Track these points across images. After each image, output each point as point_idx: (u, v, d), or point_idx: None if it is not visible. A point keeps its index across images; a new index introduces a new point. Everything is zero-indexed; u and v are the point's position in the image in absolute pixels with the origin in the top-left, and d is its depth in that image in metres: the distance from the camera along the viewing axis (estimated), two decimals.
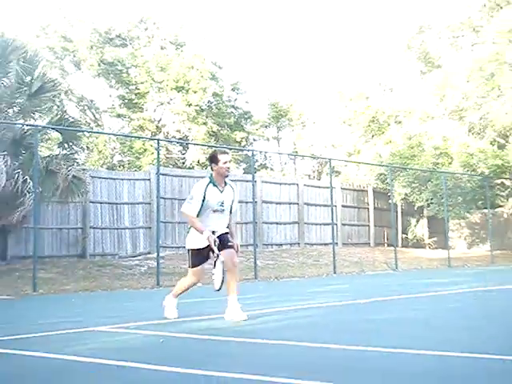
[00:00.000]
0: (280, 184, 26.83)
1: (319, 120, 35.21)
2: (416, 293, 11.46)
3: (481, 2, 28.92)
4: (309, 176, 39.80)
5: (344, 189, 29.57)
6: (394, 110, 29.74)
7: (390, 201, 26.11)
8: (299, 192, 27.08)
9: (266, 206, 25.66)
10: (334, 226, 23.06)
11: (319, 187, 28.12)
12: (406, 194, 28.58)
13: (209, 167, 7.87)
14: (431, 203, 28.12)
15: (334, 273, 19.69)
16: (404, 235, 31.79)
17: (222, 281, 7.49)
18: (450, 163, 26.92)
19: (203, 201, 7.55)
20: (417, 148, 27.71)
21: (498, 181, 28.75)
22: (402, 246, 30.15)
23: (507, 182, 29.70)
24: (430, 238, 32.36)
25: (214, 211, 7.63)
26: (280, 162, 42.80)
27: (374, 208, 30.32)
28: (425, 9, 30.20)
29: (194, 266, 7.76)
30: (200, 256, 7.70)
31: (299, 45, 64.63)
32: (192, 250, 7.72)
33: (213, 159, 7.71)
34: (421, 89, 29.28)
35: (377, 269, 21.85)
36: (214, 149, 8.84)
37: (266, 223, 25.49)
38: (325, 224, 26.56)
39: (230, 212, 7.85)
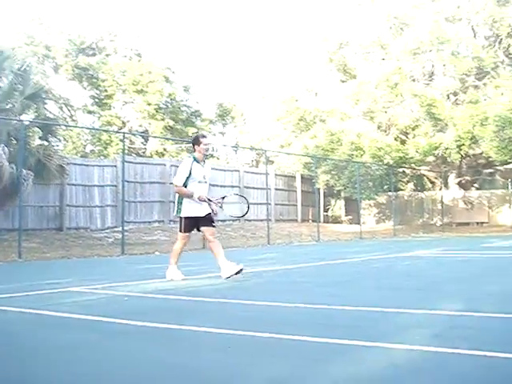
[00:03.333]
0: (225, 171, 26.81)
1: (257, 118, 35.23)
2: (334, 259, 11.65)
3: (388, 25, 29.30)
4: (248, 164, 39.83)
5: (277, 175, 29.74)
6: (318, 110, 29.95)
7: (314, 185, 26.45)
8: (240, 177, 27.13)
9: (214, 188, 25.59)
10: (269, 206, 23.20)
11: (257, 173, 28.21)
12: (327, 180, 28.87)
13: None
14: (347, 187, 28.48)
15: (268, 243, 19.82)
16: (325, 213, 32.20)
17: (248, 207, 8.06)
18: (362, 155, 27.26)
19: (190, 174, 7.69)
20: (336, 142, 28.00)
21: (400, 170, 29.37)
22: (324, 222, 30.50)
23: (407, 171, 30.39)
24: (346, 215, 32.88)
25: (199, 182, 7.77)
26: (225, 152, 42.76)
27: (302, 191, 30.57)
28: (344, 28, 30.40)
29: (185, 231, 7.80)
30: (191, 224, 7.77)
31: (243, 52, 64.50)
32: (186, 217, 7.74)
33: (196, 141, 7.91)
34: (340, 94, 29.54)
35: (303, 240, 22.02)
36: (195, 134, 9.21)
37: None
38: (261, 204, 26.69)
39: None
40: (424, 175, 32.27)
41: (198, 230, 7.88)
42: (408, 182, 32.83)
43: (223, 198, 7.98)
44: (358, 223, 25.96)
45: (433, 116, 26.70)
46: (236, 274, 7.59)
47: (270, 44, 61.39)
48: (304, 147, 28.90)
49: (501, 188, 30.93)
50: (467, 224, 30.01)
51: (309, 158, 27.76)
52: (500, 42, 28.09)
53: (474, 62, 27.56)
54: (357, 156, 27.26)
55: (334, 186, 29.68)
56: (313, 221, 29.29)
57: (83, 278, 8.83)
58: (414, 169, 29.82)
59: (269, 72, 40.54)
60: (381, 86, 27.39)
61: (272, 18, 67.56)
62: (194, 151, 7.91)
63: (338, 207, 33.32)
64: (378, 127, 28.80)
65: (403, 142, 28.47)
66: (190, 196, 7.64)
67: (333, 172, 28.54)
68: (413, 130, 28.51)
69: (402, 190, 32.36)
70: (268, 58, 57.20)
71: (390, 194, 29.76)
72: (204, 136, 8.11)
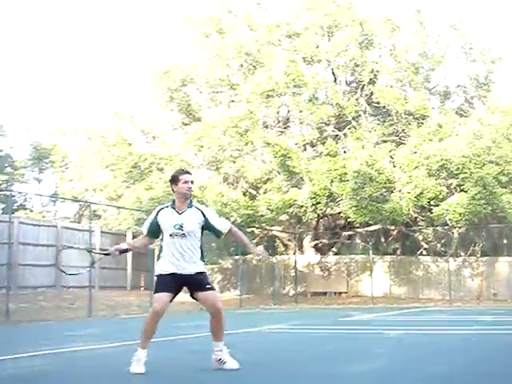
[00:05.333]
0: (39, 226, 25.61)
1: (82, 163, 34.26)
2: (163, 336, 11.30)
3: (239, 62, 30.14)
4: (69, 219, 38.55)
5: (104, 232, 28.92)
6: (155, 157, 29.74)
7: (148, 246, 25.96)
8: (58, 234, 26.02)
9: (24, 247, 24.28)
10: (92, 269, 22.23)
11: (79, 230, 27.26)
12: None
13: None
14: None
15: (90, 316, 19.02)
16: None
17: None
18: None
19: (157, 225, 6.89)
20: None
21: (249, 229, 29.81)
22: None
23: (256, 231, 30.92)
24: None
25: (171, 235, 6.78)
26: (41, 203, 41.15)
27: (133, 252, 29.88)
28: (189, 63, 30.72)
29: (156, 291, 6.78)
30: (166, 284, 6.75)
31: (68, 81, 63.35)
32: (158, 275, 6.86)
33: (173, 180, 6.96)
34: (182, 139, 29.71)
35: (132, 312, 21.39)
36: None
37: (22, 265, 24.05)
38: (82, 267, 25.64)
39: (217, 234, 6.92)
40: (276, 236, 33.03)
41: (193, 298, 6.91)
42: (258, 244, 33.38)
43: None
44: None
45: (287, 168, 27.53)
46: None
47: (100, 73, 60.95)
48: (137, 200, 28.43)
49: (361, 253, 32.37)
50: (324, 294, 30.89)
51: (143, 213, 27.30)
52: (362, 89, 29.88)
53: (334, 109, 29.02)
54: None
55: None
56: (145, 288, 28.67)
57: None
58: (265, 229, 30.40)
59: (97, 108, 40.01)
60: (229, 131, 27.82)
61: (103, 42, 67.32)
62: (173, 193, 7.01)
63: None
64: (225, 179, 29.07)
65: (253, 198, 29.00)
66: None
67: None
68: (264, 183, 29.16)
69: (250, 253, 32.76)
70: (98, 90, 56.63)
71: (236, 257, 29.96)
72: (186, 172, 7.07)
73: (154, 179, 28.74)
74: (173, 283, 6.75)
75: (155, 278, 7.02)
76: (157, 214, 6.95)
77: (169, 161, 29.37)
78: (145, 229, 7.10)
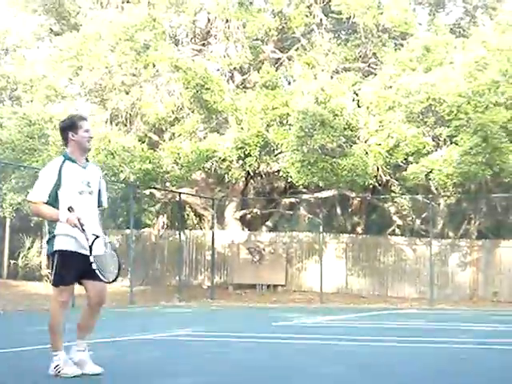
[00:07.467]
0: None
1: None
2: (11, 347, 11.02)
3: None
4: None
5: None
6: (8, 80, 29.20)
7: None
8: None
9: None
10: None
11: None
12: (18, 204, 27.96)
13: None
14: None
15: None
16: (13, 261, 31.26)
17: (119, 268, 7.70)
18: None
19: (59, 182, 7.57)
20: (39, 139, 27.24)
21: (147, 191, 29.45)
22: (10, 278, 29.60)
23: (158, 194, 30.55)
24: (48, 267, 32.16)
25: (80, 193, 7.65)
26: None
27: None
28: None
29: (62, 281, 7.57)
30: (73, 267, 7.57)
31: None
32: (60, 252, 7.55)
33: (71, 127, 7.80)
34: (50, 54, 29.10)
35: None
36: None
37: None
38: None
39: (100, 204, 7.93)
40: (186, 202, 32.81)
41: (79, 283, 7.74)
42: (159, 213, 33.14)
43: (96, 237, 7.66)
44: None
45: (204, 105, 27.35)
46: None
47: None
48: None
49: (307, 230, 32.48)
50: (253, 287, 30.97)
51: None
52: None
53: (276, 20, 28.79)
54: None
55: (30, 216, 28.82)
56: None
57: None
58: (171, 191, 30.11)
59: None
60: (120, 47, 27.23)
61: None
62: (67, 144, 7.84)
63: (36, 252, 32.51)
64: (113, 117, 28.64)
65: (154, 146, 28.73)
66: (55, 218, 7.55)
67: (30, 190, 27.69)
68: (171, 125, 28.88)
69: (148, 225, 32.53)
70: None
71: (127, 231, 29.77)
72: (83, 118, 8.02)
73: (6, 113, 28.10)
74: (77, 267, 7.60)
75: (58, 256, 7.60)
76: (60, 170, 7.64)
77: (29, 87, 28.72)
78: (45, 193, 7.59)
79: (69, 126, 7.85)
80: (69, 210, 7.49)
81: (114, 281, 7.82)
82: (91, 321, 7.84)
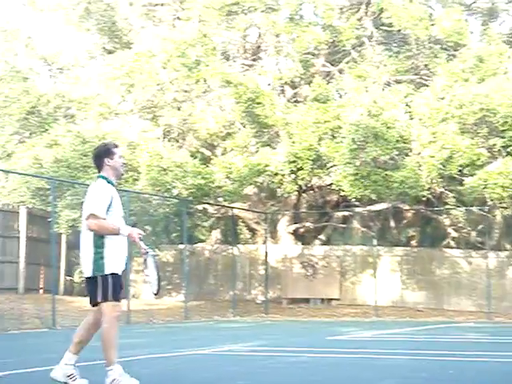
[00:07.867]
0: None
1: None
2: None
3: None
4: None
5: None
6: (63, 98, 29.32)
7: (51, 228, 25.62)
8: None
9: None
10: None
11: None
12: (74, 220, 28.13)
13: None
14: None
15: None
16: (69, 278, 31.44)
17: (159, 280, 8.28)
18: (136, 180, 26.90)
19: (109, 205, 8.07)
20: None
21: (200, 206, 29.53)
22: (65, 294, 29.75)
23: (211, 209, 30.61)
24: None
25: (122, 217, 8.33)
26: None
27: (28, 238, 29.63)
28: None
29: (117, 297, 8.08)
30: (120, 283, 8.15)
31: None
32: (113, 275, 8.03)
33: (106, 153, 8.33)
34: (103, 72, 29.23)
35: (25, 326, 21.14)
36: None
37: None
38: None
39: None
40: (239, 217, 32.84)
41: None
42: (212, 227, 33.20)
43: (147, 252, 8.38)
44: (124, 297, 25.54)
45: (256, 119, 27.35)
46: None
47: None
48: (36, 161, 27.97)
49: (360, 243, 32.33)
50: (306, 301, 30.89)
51: (43, 181, 26.86)
52: (367, 5, 29.70)
53: (326, 33, 28.78)
54: (127, 181, 26.88)
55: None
56: (46, 291, 28.37)
57: None
58: (224, 206, 30.17)
59: None
60: (172, 63, 27.40)
61: None
62: (101, 170, 8.28)
63: None
64: (165, 134, 28.71)
65: (206, 161, 28.75)
66: (117, 232, 7.98)
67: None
68: (223, 140, 28.94)
69: (201, 240, 32.59)
70: None
71: (180, 246, 29.83)
72: (117, 145, 8.62)
73: (61, 131, 28.31)
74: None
75: (108, 277, 8.05)
76: (111, 193, 8.16)
77: (83, 105, 28.95)
78: (104, 210, 8.02)
79: (104, 153, 8.36)
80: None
81: (156, 293, 8.47)
82: (90, 336, 8.51)
